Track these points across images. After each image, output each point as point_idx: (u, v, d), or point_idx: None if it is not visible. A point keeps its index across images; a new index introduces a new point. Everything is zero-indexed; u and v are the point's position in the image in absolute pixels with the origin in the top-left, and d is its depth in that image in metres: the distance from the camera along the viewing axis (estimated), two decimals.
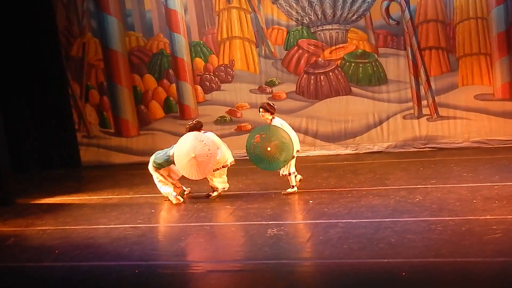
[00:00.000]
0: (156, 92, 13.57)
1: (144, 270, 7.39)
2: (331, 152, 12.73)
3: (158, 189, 10.07)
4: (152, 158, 10.05)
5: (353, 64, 12.61)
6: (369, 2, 12.28)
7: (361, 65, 12.57)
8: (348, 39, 12.55)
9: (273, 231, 8.17)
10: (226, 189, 10.04)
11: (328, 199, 9.41)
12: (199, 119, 10.69)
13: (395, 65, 12.37)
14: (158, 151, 10.14)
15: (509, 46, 11.76)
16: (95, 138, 13.94)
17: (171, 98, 13.47)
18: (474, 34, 11.93)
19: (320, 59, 12.70)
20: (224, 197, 9.99)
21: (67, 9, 13.61)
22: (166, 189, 10.00)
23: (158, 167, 9.96)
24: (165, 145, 10.66)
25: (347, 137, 12.75)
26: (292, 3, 12.57)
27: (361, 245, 7.40)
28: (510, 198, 8.59)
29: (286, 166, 9.74)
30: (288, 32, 12.77)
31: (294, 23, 12.71)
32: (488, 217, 7.95)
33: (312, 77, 12.78)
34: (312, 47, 12.73)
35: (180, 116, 13.39)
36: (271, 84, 13.02)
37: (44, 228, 9.28)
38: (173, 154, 9.80)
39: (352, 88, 12.66)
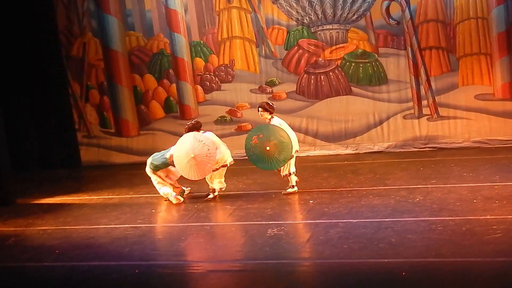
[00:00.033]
0: (156, 92, 13.57)
1: (144, 270, 7.39)
2: (331, 152, 12.72)
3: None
4: (149, 160, 10.02)
5: (353, 64, 12.60)
6: (369, 2, 12.27)
7: (361, 65, 12.56)
8: (349, 39, 12.54)
9: (273, 231, 8.17)
10: (223, 189, 10.03)
11: (328, 199, 9.40)
12: (199, 119, 10.70)
13: (396, 65, 12.36)
14: (155, 153, 10.11)
15: (510, 46, 11.75)
16: (96, 138, 13.93)
17: (172, 98, 13.46)
18: (475, 34, 11.92)
19: (320, 59, 12.69)
20: (224, 197, 9.98)
21: (67, 9, 13.61)
22: (165, 189, 9.98)
23: (155, 169, 9.93)
24: (165, 145, 10.67)
25: (347, 137, 12.74)
26: (292, 3, 12.56)
27: (362, 245, 7.40)
28: (511, 198, 8.59)
29: (285, 166, 9.74)
30: (288, 32, 12.76)
31: (294, 23, 12.69)
32: (488, 217, 7.95)
33: (313, 77, 12.77)
34: (312, 47, 12.72)
35: (181, 116, 13.38)
36: (271, 84, 13.01)
37: (44, 228, 9.28)
38: (170, 156, 9.77)
39: (352, 88, 12.65)
